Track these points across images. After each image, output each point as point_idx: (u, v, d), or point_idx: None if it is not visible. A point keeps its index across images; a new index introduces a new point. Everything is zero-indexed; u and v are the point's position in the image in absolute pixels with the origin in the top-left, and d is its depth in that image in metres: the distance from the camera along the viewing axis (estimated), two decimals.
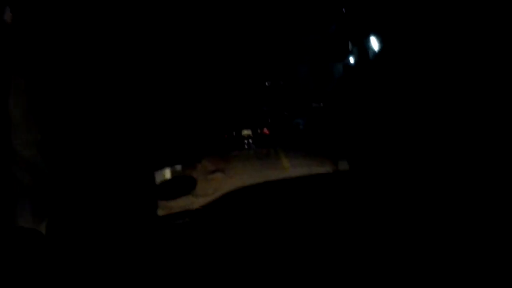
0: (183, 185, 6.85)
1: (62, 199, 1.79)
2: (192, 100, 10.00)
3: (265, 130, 9.91)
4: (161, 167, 6.75)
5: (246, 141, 9.76)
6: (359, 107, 7.55)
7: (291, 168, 8.15)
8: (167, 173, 7.25)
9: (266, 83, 13.17)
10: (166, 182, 6.33)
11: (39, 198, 1.75)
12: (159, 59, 7.19)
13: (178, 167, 7.94)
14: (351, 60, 11.87)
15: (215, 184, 7.07)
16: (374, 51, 8.20)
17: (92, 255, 1.84)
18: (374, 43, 8.08)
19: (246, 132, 9.85)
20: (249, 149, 9.85)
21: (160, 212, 4.30)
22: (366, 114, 7.04)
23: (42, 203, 1.77)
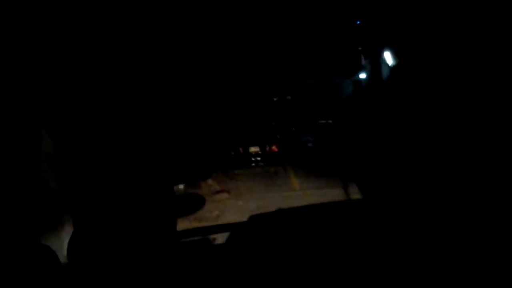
0: (189, 204, 6.38)
1: (79, 218, 1.81)
2: (198, 114, 9.72)
3: (274, 147, 9.48)
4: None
5: (253, 159, 9.33)
6: (370, 126, 7.21)
7: (300, 191, 7.74)
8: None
9: (274, 99, 12.90)
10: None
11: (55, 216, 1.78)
12: (169, 72, 6.94)
13: (181, 187, 7.58)
14: (362, 75, 11.69)
15: (220, 206, 6.66)
16: (388, 66, 7.81)
17: (112, 275, 1.81)
18: (388, 58, 7.72)
19: (253, 149, 9.44)
20: (256, 166, 9.41)
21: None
22: (377, 133, 6.65)
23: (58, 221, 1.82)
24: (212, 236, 3.90)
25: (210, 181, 8.22)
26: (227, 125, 10.82)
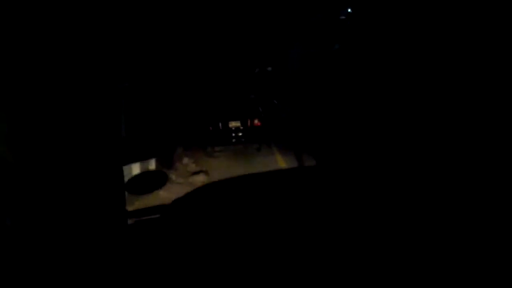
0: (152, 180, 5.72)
1: (24, 192, 1.70)
2: (172, 85, 8.70)
3: (256, 122, 8.60)
4: (130, 161, 5.57)
5: (234, 134, 8.44)
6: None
7: (287, 167, 6.98)
8: (136, 169, 6.05)
9: (256, 70, 12.16)
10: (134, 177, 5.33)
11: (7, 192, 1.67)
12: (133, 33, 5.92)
13: (152, 164, 6.66)
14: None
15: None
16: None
17: (55, 251, 1.75)
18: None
19: (234, 123, 8.52)
20: (237, 143, 8.55)
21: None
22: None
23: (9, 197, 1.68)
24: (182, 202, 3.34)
25: (185, 160, 7.34)
26: (204, 96, 9.83)
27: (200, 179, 6.31)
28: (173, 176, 6.30)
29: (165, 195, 4.94)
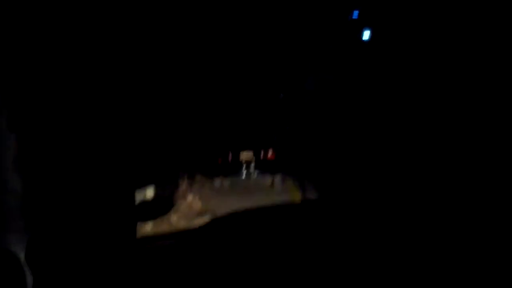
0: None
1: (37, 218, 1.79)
2: (181, 109, 8.13)
3: (270, 154, 7.78)
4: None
5: (245, 168, 7.63)
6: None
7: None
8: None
9: (280, 95, 11.99)
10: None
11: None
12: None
13: (150, 192, 5.91)
14: None
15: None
16: None
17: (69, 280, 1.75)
18: None
19: (246, 155, 7.73)
20: (248, 177, 7.72)
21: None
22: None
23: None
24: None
25: (190, 197, 6.53)
26: (214, 123, 9.16)
27: (205, 221, 5.49)
28: (174, 217, 5.49)
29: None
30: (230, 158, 7.69)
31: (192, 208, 6.08)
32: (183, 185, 6.91)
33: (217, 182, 7.51)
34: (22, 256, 1.80)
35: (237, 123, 10.02)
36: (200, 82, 10.32)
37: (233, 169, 7.62)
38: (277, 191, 7.29)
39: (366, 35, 8.15)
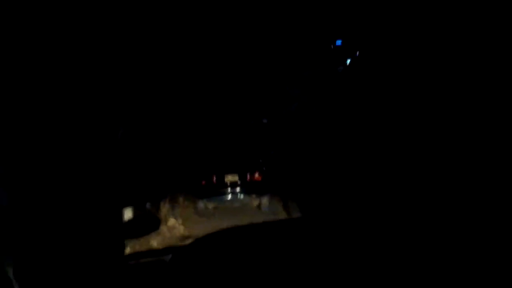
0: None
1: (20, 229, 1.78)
2: (165, 129, 7.86)
3: (257, 176, 7.51)
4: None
5: (230, 190, 7.31)
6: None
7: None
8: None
9: (264, 120, 12.14)
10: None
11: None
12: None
13: (128, 213, 5.45)
14: None
15: None
16: None
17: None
18: None
19: (231, 178, 7.43)
20: (234, 199, 7.38)
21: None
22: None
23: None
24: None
25: (172, 221, 6.11)
26: (197, 145, 8.87)
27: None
28: (154, 243, 5.05)
29: None
30: (214, 180, 7.36)
31: (173, 232, 5.66)
32: (165, 207, 6.50)
33: (201, 204, 7.13)
34: (10, 271, 1.81)
35: (221, 145, 9.79)
36: (184, 104, 10.14)
37: (217, 191, 7.28)
38: (265, 212, 6.97)
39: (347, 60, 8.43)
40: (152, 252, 4.38)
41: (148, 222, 5.50)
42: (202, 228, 6.03)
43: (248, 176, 7.49)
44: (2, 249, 1.79)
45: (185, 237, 5.50)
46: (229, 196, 7.32)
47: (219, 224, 6.29)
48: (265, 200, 7.32)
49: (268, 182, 7.79)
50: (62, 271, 1.93)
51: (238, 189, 7.32)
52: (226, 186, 7.32)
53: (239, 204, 7.39)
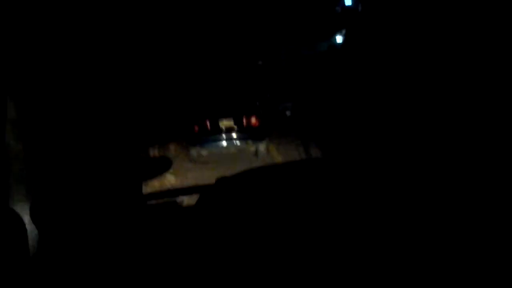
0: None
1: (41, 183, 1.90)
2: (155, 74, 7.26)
3: (254, 121, 6.94)
4: None
5: (225, 136, 6.79)
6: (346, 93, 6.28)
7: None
8: None
9: (259, 62, 11.84)
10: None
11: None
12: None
13: None
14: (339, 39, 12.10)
15: None
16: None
17: (78, 241, 1.90)
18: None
19: (226, 123, 6.86)
20: (230, 145, 6.90)
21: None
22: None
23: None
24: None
25: (168, 174, 5.69)
26: (188, 87, 8.21)
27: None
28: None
29: None
30: (208, 125, 6.81)
31: (164, 184, 5.26)
32: (154, 153, 6.05)
33: (194, 152, 6.68)
34: (26, 217, 1.88)
35: (215, 87, 9.07)
36: (176, 46, 9.42)
37: (212, 137, 6.76)
38: (262, 159, 6.55)
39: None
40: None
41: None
42: (193, 176, 5.64)
43: (245, 121, 6.93)
44: (18, 196, 1.89)
45: (176, 187, 5.12)
46: (224, 143, 6.84)
47: (211, 173, 5.89)
48: (262, 147, 6.85)
49: (266, 127, 7.26)
50: (80, 212, 2.04)
51: (233, 135, 6.81)
52: (220, 131, 6.80)
53: (235, 151, 6.93)
